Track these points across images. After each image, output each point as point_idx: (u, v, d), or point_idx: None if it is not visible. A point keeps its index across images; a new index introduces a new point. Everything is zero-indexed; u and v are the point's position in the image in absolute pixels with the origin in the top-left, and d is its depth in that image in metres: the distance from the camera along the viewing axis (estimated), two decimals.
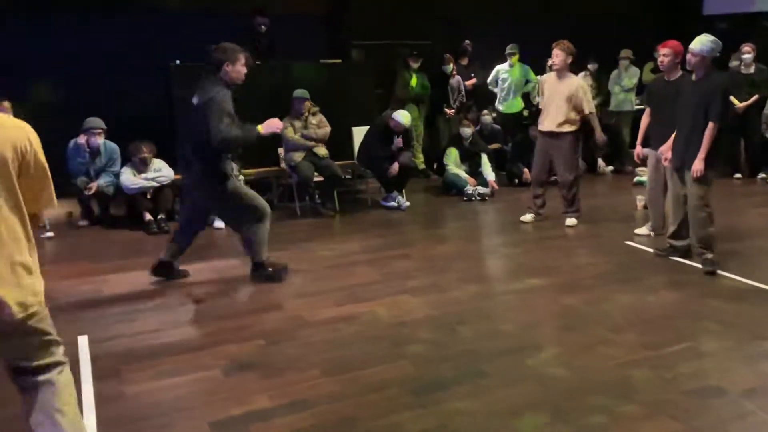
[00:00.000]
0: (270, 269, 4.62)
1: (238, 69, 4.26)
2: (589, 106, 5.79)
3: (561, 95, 5.75)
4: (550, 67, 6.00)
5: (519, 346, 3.49)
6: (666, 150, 4.84)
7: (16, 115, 5.93)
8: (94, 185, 6.27)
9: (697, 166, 4.42)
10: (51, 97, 7.40)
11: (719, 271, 4.55)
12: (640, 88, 8.97)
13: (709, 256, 4.58)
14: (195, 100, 4.21)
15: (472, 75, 8.97)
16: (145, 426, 2.81)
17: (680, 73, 4.95)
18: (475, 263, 5.10)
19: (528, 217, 6.19)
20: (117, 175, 6.37)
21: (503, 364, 3.27)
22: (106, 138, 6.46)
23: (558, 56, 5.72)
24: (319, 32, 8.72)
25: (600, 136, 5.98)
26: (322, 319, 3.93)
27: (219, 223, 6.29)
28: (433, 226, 6.42)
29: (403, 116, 6.88)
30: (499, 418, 2.79)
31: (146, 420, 2.85)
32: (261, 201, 4.53)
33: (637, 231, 5.63)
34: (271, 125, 4.31)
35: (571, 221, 5.97)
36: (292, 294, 4.39)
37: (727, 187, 7.57)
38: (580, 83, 5.81)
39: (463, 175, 7.46)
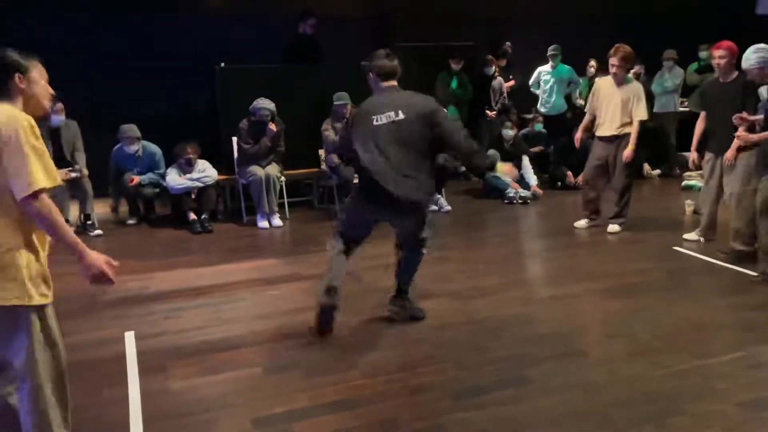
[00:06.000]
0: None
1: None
2: (640, 113, 5.58)
3: (617, 100, 5.60)
4: (613, 73, 5.64)
5: (563, 352, 3.42)
6: (731, 154, 4.72)
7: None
8: (136, 178, 6.44)
9: None
10: (96, 98, 7.56)
11: None
12: (685, 90, 8.77)
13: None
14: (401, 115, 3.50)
15: (511, 77, 8.88)
16: (189, 421, 2.85)
17: (735, 74, 4.81)
18: (517, 267, 5.04)
19: (582, 223, 6.05)
20: (162, 176, 6.53)
21: (547, 370, 3.21)
22: (149, 140, 6.64)
23: (620, 67, 5.52)
24: (362, 34, 8.75)
25: (629, 152, 5.59)
26: (363, 320, 3.93)
27: (263, 223, 6.37)
28: (474, 229, 6.36)
29: None
30: (543, 425, 2.74)
31: (190, 416, 2.90)
32: None
33: (686, 236, 5.47)
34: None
35: (613, 228, 5.81)
36: None
37: None
38: (636, 89, 5.62)
39: (505, 177, 7.37)
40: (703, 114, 5.16)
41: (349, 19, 8.55)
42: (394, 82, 3.68)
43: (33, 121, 2.18)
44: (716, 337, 3.55)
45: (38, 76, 2.33)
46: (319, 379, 3.19)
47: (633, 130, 5.60)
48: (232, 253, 5.52)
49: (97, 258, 2.33)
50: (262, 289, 4.57)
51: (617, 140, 5.67)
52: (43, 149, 2.18)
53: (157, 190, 6.57)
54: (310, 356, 3.46)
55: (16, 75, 2.26)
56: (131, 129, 6.46)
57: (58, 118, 6.08)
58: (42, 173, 2.13)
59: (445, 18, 8.80)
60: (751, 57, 4.45)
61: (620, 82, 5.62)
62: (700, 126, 5.17)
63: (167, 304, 4.31)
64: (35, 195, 2.11)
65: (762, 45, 4.43)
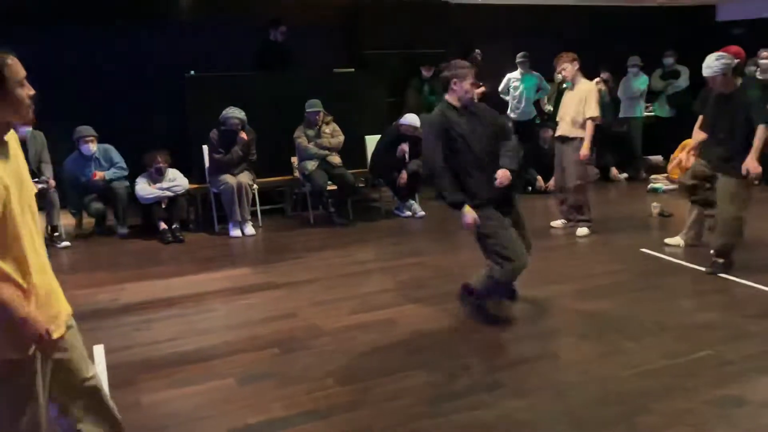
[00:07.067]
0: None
1: (466, 87, 3.95)
2: (591, 111, 5.68)
3: (573, 101, 5.80)
4: (564, 77, 6.00)
5: (535, 354, 3.46)
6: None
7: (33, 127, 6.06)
8: (101, 173, 6.34)
9: None
10: (63, 107, 7.37)
11: (742, 280, 4.50)
12: (650, 95, 9.00)
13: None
14: None
15: (481, 84, 8.97)
16: None
17: (739, 80, 4.64)
18: None
19: (558, 222, 6.20)
20: (124, 168, 6.48)
21: (519, 374, 3.25)
22: (118, 149, 6.56)
23: (565, 69, 5.78)
24: (333, 42, 8.76)
25: (585, 150, 5.69)
26: (337, 327, 3.93)
27: (235, 232, 6.32)
28: (448, 234, 6.39)
29: (412, 118, 6.88)
30: (517, 428, 2.77)
31: (163, 429, 2.86)
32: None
33: (667, 240, 5.45)
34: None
35: (581, 231, 5.90)
36: (306, 302, 4.39)
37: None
38: (589, 88, 5.79)
39: None
40: (701, 118, 5.00)
41: (320, 27, 8.56)
42: None
43: None
44: (683, 337, 3.63)
45: (11, 74, 1.85)
46: (294, 387, 3.17)
47: (587, 129, 5.69)
48: (204, 262, 5.47)
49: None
50: (234, 299, 4.54)
51: (567, 141, 5.84)
52: None
53: (127, 183, 6.44)
54: (283, 365, 3.44)
55: None
56: (87, 129, 6.37)
57: (26, 129, 5.96)
58: None
59: (415, 26, 8.86)
60: (714, 64, 4.38)
61: (573, 82, 5.84)
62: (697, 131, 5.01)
63: (138, 316, 4.24)
64: None
65: (721, 53, 4.42)
